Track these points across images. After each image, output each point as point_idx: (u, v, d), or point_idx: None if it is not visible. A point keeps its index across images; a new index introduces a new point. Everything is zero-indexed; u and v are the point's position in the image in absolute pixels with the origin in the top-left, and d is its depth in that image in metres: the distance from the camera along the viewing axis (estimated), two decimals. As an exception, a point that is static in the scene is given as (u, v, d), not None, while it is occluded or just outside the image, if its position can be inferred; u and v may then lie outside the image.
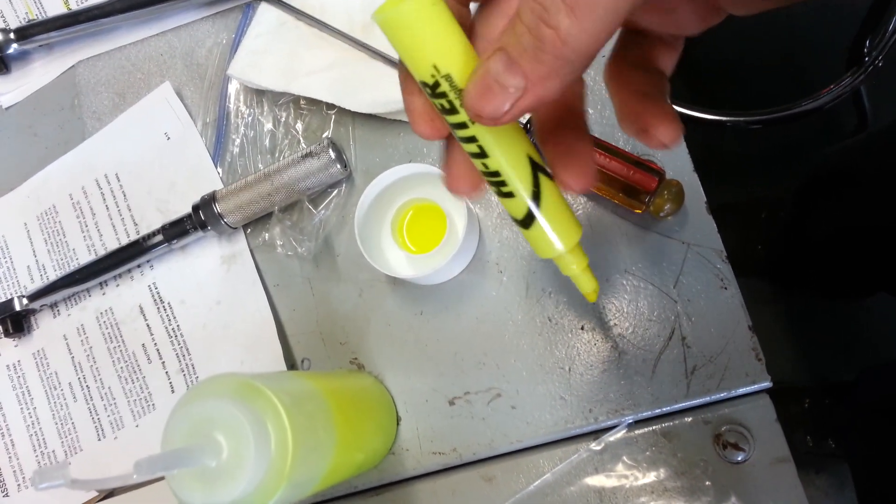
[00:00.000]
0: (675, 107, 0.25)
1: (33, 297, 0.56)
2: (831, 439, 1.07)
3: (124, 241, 0.57)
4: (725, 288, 0.47)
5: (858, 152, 0.82)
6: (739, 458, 0.45)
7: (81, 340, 0.56)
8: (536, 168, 0.25)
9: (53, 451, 0.55)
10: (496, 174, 0.25)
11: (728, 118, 1.15)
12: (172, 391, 0.53)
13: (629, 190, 0.46)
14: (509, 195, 0.25)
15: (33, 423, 0.56)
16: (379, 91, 0.53)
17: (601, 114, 0.51)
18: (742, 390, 0.46)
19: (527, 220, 0.26)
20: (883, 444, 0.80)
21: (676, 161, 0.49)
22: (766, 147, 1.23)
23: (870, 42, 1.09)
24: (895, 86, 1.18)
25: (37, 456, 0.55)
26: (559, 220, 0.27)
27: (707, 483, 0.45)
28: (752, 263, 1.09)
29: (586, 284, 0.31)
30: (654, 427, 0.47)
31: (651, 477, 0.46)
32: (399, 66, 0.24)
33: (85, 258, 0.58)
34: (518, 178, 0.25)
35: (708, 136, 1.18)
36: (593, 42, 0.19)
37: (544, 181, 0.26)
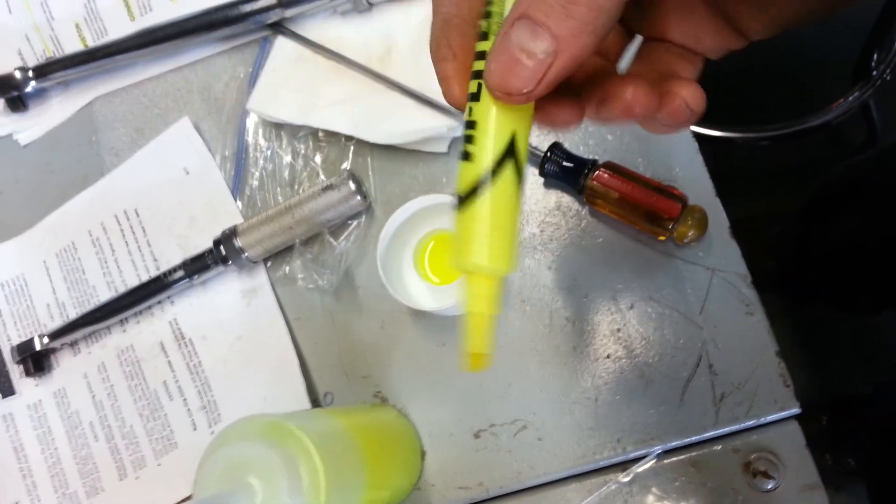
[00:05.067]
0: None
1: (54, 335, 0.56)
2: (850, 457, 1.06)
3: (144, 278, 0.56)
4: (751, 314, 0.47)
5: (868, 167, 0.82)
6: (769, 487, 0.45)
7: (102, 378, 0.56)
8: (513, 149, 0.22)
9: (75, 492, 0.54)
10: (472, 125, 0.22)
11: (737, 135, 1.15)
12: (195, 428, 0.53)
13: (652, 217, 0.46)
14: (467, 156, 0.22)
15: (55, 464, 0.55)
16: (397, 122, 0.53)
17: (620, 140, 0.51)
18: (771, 417, 0.45)
19: (469, 195, 0.22)
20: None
21: (697, 185, 0.49)
22: (776, 163, 1.23)
23: (877, 56, 1.09)
24: (904, 99, 1.18)
25: (58, 497, 0.54)
26: (501, 224, 0.22)
27: (739, 513, 0.45)
28: (764, 278, 1.09)
29: (480, 338, 0.24)
30: (682, 456, 0.46)
31: (682, 508, 0.45)
32: (432, 33, 0.23)
33: (105, 295, 0.58)
34: (487, 141, 0.22)
35: (717, 152, 1.18)
36: None
37: (510, 168, 0.22)
